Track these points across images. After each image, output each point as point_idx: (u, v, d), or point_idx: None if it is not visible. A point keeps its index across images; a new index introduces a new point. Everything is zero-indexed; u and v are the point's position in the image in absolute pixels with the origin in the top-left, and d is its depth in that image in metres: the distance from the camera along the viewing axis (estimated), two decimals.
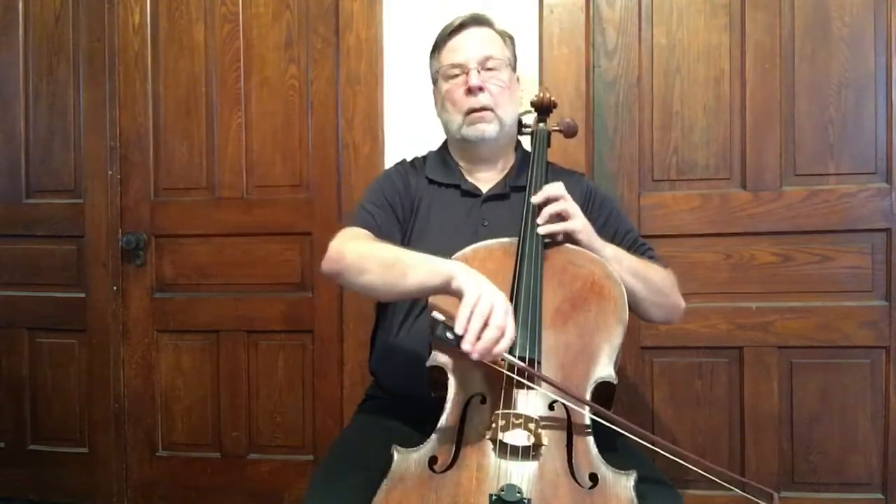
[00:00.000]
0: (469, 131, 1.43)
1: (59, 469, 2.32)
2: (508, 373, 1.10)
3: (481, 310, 1.06)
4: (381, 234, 1.38)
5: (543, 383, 1.11)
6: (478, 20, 1.46)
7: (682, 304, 1.44)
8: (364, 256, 1.27)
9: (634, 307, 1.35)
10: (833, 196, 1.94)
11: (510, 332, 1.08)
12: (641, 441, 1.11)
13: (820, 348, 1.95)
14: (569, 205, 1.30)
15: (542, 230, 1.28)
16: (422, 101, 1.69)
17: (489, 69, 1.42)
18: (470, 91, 1.41)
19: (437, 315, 1.10)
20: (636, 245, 1.47)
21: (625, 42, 2.02)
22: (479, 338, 1.05)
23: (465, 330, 1.05)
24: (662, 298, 1.39)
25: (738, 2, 1.97)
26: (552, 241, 1.30)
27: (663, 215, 2.00)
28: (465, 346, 1.05)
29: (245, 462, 2.23)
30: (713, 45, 2.00)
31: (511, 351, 1.13)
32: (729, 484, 1.14)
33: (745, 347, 1.98)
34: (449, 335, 1.08)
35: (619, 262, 1.32)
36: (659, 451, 1.11)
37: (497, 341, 1.06)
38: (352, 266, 1.27)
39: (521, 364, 1.10)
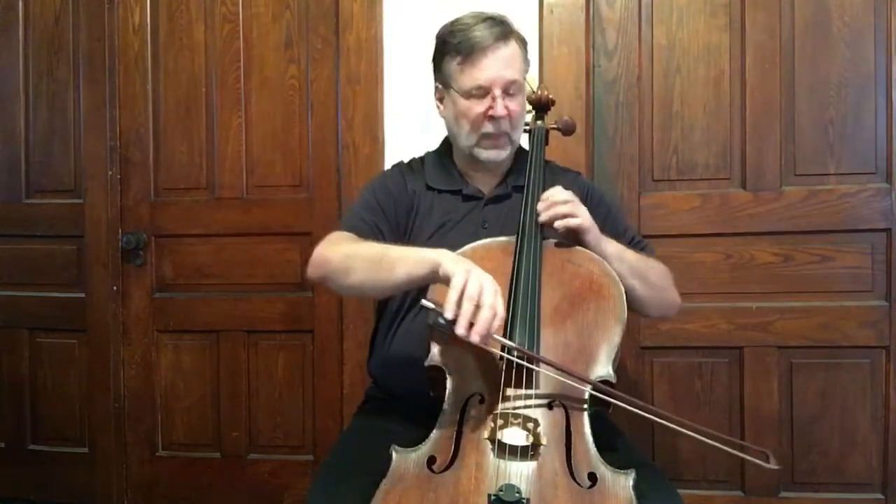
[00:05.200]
0: (482, 153, 1.41)
1: (59, 469, 2.32)
2: (509, 356, 1.11)
3: (470, 292, 1.06)
4: (368, 237, 1.37)
5: (543, 367, 1.11)
6: (505, 35, 1.38)
7: (679, 300, 1.45)
8: (349, 257, 1.27)
9: (632, 304, 1.35)
10: (833, 196, 1.93)
11: (501, 312, 1.08)
12: (645, 414, 1.11)
13: (820, 348, 1.95)
14: (575, 206, 1.30)
15: (544, 217, 1.29)
16: (422, 101, 1.68)
17: (510, 94, 1.38)
18: (493, 118, 1.37)
19: (426, 303, 1.10)
20: (634, 242, 1.47)
21: (625, 42, 2.02)
22: (472, 321, 1.05)
23: (456, 313, 1.05)
24: (660, 295, 1.39)
25: (738, 2, 1.97)
26: (552, 237, 1.30)
27: (663, 215, 2.00)
28: (459, 329, 1.05)
29: (245, 462, 2.23)
30: (713, 45, 2.00)
31: (510, 349, 1.13)
32: (729, 448, 1.13)
33: (745, 347, 1.98)
34: (442, 321, 1.07)
35: (622, 261, 1.32)
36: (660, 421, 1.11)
37: (491, 321, 1.06)
38: (337, 268, 1.28)
39: (511, 344, 1.11)
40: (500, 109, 1.36)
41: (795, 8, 1.95)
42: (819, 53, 1.94)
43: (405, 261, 1.20)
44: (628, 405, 1.10)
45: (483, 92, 1.37)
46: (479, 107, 1.38)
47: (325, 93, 2.15)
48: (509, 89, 1.37)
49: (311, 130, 2.17)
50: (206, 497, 2.24)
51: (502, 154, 1.42)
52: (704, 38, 2.00)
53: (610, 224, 1.44)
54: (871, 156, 1.93)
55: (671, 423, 1.11)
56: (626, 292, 1.28)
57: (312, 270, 1.32)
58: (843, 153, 1.94)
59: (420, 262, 1.17)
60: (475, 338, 1.05)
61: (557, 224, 1.29)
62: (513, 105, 1.38)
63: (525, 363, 1.10)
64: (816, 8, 1.94)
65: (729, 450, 1.12)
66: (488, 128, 1.38)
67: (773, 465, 1.08)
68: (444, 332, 1.09)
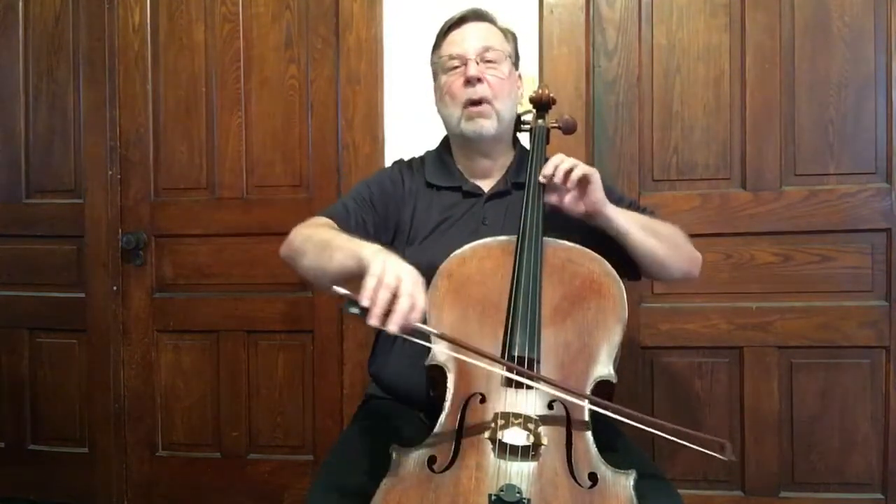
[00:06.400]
0: (468, 127, 1.41)
1: (59, 469, 2.32)
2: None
3: (388, 281, 1.02)
4: (349, 227, 1.37)
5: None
6: (479, 15, 1.45)
7: (699, 255, 1.45)
8: (306, 239, 1.31)
9: (654, 267, 1.35)
10: (833, 196, 1.93)
11: (420, 303, 1.04)
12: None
13: (820, 348, 1.95)
14: (576, 161, 1.30)
15: (556, 174, 1.28)
16: (422, 101, 1.68)
17: (488, 61, 1.41)
18: (468, 82, 1.39)
19: (337, 289, 1.04)
20: (639, 210, 1.47)
21: (625, 42, 2.02)
22: (390, 310, 1.01)
23: (372, 300, 1.01)
24: (677, 250, 1.39)
25: (738, 2, 1.97)
26: (557, 228, 1.30)
27: (663, 215, 1.99)
28: (372, 319, 1.00)
29: (245, 462, 2.23)
30: (713, 45, 2.00)
31: (510, 349, 1.13)
32: (683, 440, 1.10)
33: (745, 347, 1.98)
34: (354, 309, 1.02)
35: (627, 218, 1.32)
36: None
37: (409, 311, 1.02)
38: (296, 250, 1.32)
39: (433, 331, 1.08)
40: (472, 70, 1.39)
41: (795, 8, 1.95)
42: (819, 53, 1.94)
43: (341, 250, 1.19)
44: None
45: (459, 61, 1.42)
46: (458, 79, 1.41)
47: (325, 93, 2.15)
48: (484, 55, 1.41)
49: (311, 130, 2.17)
50: (206, 497, 2.24)
51: (486, 125, 1.41)
52: (704, 38, 2.00)
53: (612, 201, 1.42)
54: (871, 156, 1.93)
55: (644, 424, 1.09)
56: (645, 255, 1.30)
57: (282, 249, 1.37)
58: (843, 153, 1.94)
59: (351, 255, 1.15)
60: (392, 328, 1.00)
61: (561, 179, 1.28)
62: (492, 73, 1.41)
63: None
64: (816, 8, 1.94)
65: (682, 441, 1.09)
66: (466, 94, 1.40)
67: (729, 457, 1.07)
68: (360, 318, 1.03)
